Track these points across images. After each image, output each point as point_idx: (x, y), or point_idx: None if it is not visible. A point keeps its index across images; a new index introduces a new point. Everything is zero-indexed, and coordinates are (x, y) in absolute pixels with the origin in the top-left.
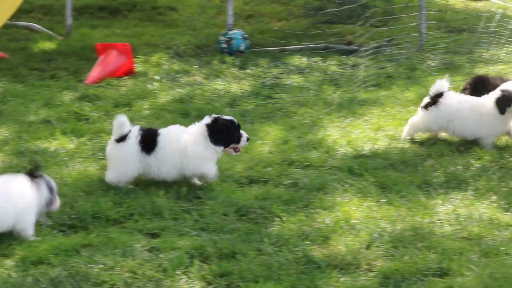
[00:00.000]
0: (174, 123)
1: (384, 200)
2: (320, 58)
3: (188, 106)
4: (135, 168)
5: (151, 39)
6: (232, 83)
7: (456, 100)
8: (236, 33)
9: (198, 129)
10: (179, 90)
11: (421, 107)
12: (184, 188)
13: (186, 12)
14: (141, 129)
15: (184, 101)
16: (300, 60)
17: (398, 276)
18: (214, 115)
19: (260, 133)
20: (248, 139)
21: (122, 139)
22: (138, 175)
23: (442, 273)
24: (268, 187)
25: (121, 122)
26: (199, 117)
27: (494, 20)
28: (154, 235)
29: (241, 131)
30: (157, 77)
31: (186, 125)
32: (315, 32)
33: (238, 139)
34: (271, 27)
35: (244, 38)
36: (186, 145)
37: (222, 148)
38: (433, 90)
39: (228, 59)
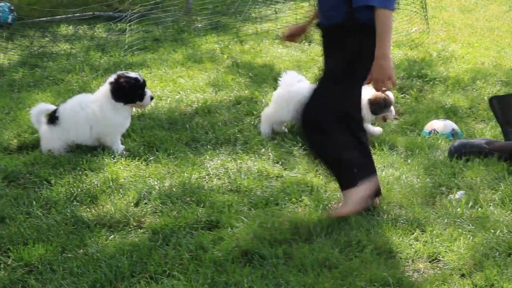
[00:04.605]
0: None
1: (152, 158)
2: (87, 26)
3: None
4: None
5: None
6: None
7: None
8: (3, 5)
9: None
10: None
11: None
12: None
13: None
14: None
15: None
16: (68, 29)
17: (167, 231)
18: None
19: (27, 101)
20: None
21: None
22: None
23: (212, 226)
24: (36, 152)
25: None
26: None
27: None
28: None
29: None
30: None
31: None
32: (82, 1)
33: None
34: None
35: (11, 10)
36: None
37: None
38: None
39: None
